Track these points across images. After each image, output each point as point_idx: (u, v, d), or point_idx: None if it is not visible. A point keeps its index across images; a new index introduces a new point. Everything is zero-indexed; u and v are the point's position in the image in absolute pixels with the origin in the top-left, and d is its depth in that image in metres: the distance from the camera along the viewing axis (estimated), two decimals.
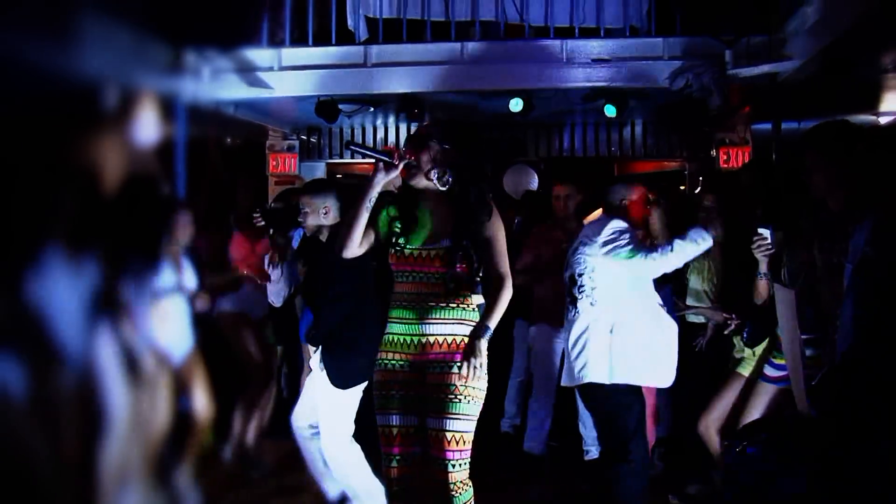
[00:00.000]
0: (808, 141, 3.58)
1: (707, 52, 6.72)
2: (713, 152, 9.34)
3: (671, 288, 5.40)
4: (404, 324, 3.61)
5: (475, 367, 3.36)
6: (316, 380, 4.60)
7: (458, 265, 3.57)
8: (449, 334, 3.59)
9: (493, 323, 3.48)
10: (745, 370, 4.78)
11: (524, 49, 7.41)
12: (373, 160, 3.60)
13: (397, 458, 3.62)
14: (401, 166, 3.53)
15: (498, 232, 3.64)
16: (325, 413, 4.54)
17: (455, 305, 3.61)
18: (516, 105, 7.56)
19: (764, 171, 5.14)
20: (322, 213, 4.78)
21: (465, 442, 3.54)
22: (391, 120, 9.70)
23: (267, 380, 6.19)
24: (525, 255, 6.21)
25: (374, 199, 3.54)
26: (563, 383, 4.70)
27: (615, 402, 4.34)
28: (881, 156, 3.14)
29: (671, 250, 4.31)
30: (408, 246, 3.59)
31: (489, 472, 6.07)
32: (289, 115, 9.26)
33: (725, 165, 9.14)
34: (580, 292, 4.40)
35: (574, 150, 9.84)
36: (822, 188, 3.50)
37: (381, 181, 3.53)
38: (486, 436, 6.49)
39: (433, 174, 3.57)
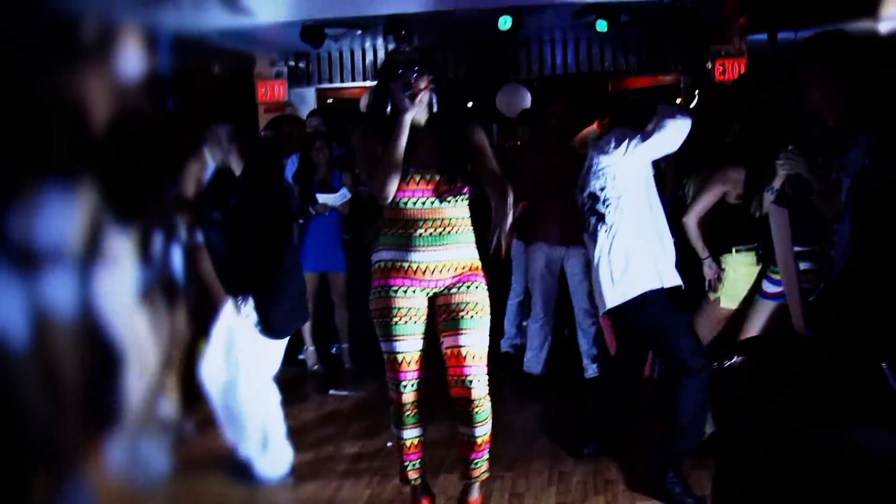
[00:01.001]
0: (803, 53, 3.48)
1: None
2: (709, 65, 9.22)
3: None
4: (412, 250, 3.62)
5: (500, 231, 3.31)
6: (233, 328, 4.22)
7: (456, 182, 3.59)
8: (455, 258, 3.64)
9: (511, 199, 3.37)
10: (725, 302, 4.78)
11: None
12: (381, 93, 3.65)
13: (403, 384, 3.69)
14: (416, 101, 3.52)
15: (484, 141, 3.68)
16: (250, 361, 4.26)
17: (461, 231, 3.65)
18: (505, 23, 7.41)
19: (758, 83, 5.04)
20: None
21: (481, 357, 3.62)
22: (379, 42, 9.53)
23: None
24: (520, 175, 6.14)
25: (405, 136, 3.53)
26: (609, 305, 4.33)
27: (663, 307, 4.26)
28: (879, 68, 3.05)
29: (667, 123, 4.21)
30: (410, 171, 3.58)
31: (491, 389, 6.14)
32: (275, 42, 9.10)
33: (721, 78, 9.04)
34: (606, 205, 4.28)
35: (567, 67, 9.71)
36: (819, 102, 3.42)
37: (409, 120, 3.52)
38: (489, 356, 6.61)
39: (432, 100, 3.62)
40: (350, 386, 6.29)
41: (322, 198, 6.53)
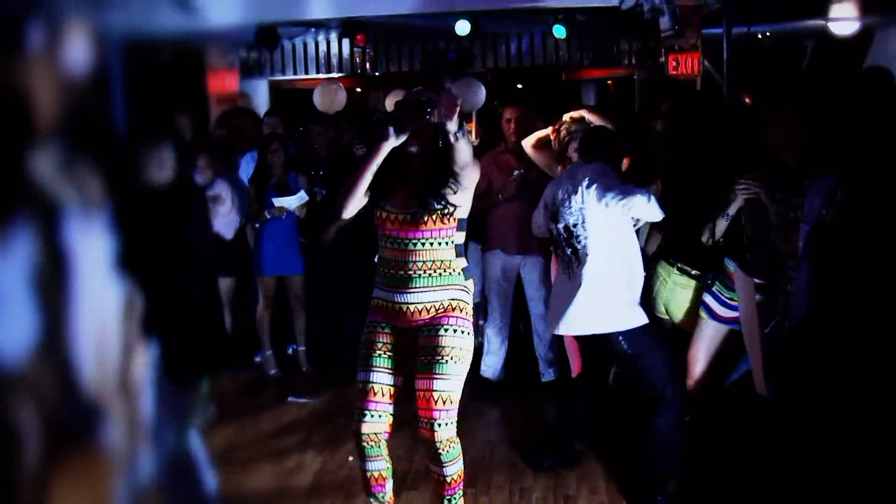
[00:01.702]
0: (765, 93, 3.55)
1: None
2: (662, 59, 9.27)
3: None
4: (391, 291, 3.73)
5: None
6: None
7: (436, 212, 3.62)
8: (436, 301, 3.70)
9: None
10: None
11: None
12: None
13: (369, 412, 3.73)
14: (401, 136, 3.53)
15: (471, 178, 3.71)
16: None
17: (441, 272, 3.69)
18: (463, 28, 7.38)
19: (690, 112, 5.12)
20: None
21: (451, 401, 3.66)
22: (333, 36, 9.46)
23: None
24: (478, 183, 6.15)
25: (378, 163, 3.58)
26: (578, 332, 4.58)
27: (641, 346, 4.33)
28: (839, 114, 3.11)
29: (649, 197, 4.32)
30: (393, 209, 3.66)
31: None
32: (227, 35, 8.98)
33: (675, 73, 9.07)
34: (580, 243, 4.36)
35: (522, 59, 9.71)
36: (778, 141, 3.50)
37: (388, 148, 3.56)
38: None
39: (455, 132, 3.47)
40: (309, 393, 6.29)
41: (279, 201, 6.49)
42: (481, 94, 9.39)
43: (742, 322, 3.35)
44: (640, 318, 4.35)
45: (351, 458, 5.05)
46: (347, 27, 7.57)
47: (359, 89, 11.50)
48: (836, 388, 2.51)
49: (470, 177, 3.67)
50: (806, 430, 2.31)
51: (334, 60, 9.79)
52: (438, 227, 3.65)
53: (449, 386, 3.65)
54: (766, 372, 2.65)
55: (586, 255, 4.34)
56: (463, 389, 5.68)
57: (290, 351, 7.18)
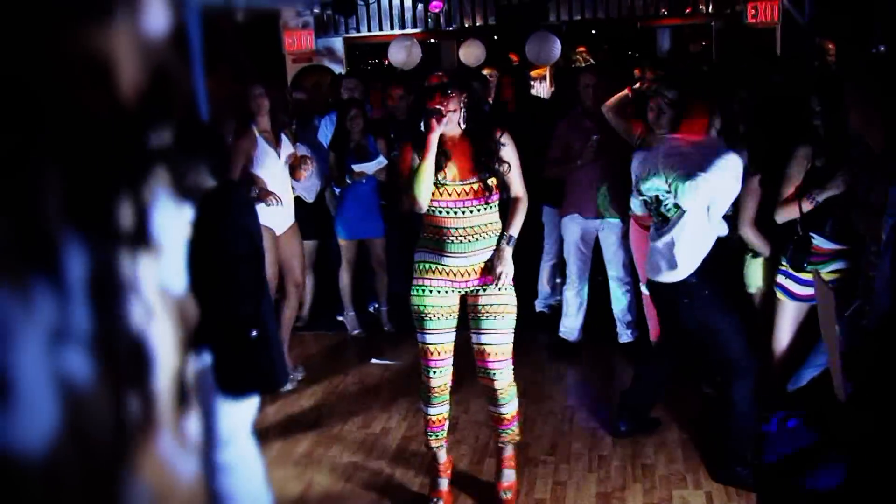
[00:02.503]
0: (848, 74, 3.50)
1: None
2: (740, 7, 9.10)
3: None
4: (446, 255, 4.06)
5: (503, 273, 4.00)
6: None
7: (490, 188, 4.00)
8: (484, 261, 4.08)
9: (515, 231, 4.08)
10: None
11: None
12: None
13: (433, 370, 4.18)
14: (442, 121, 3.89)
15: (512, 156, 4.07)
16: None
17: (491, 234, 4.06)
18: None
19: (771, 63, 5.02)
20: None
21: (505, 353, 4.17)
22: None
23: (294, 295, 6.17)
24: (554, 147, 6.18)
25: (434, 154, 3.91)
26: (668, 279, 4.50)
27: (709, 311, 4.38)
28: None
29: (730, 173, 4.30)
30: (444, 182, 3.99)
31: (528, 351, 6.33)
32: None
33: (753, 21, 8.93)
34: (668, 211, 4.38)
35: (597, 10, 9.60)
36: (860, 126, 3.46)
37: (435, 140, 3.91)
38: (522, 316, 6.77)
39: (461, 118, 4.00)
40: (391, 354, 6.47)
41: (358, 167, 6.59)
42: (556, 47, 9.35)
43: (822, 329, 3.37)
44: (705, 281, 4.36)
45: None
46: None
47: (433, 40, 11.51)
48: None
49: (509, 156, 4.04)
50: (885, 437, 2.35)
51: (408, 15, 9.82)
52: (485, 195, 4.00)
53: (500, 339, 4.13)
54: (844, 373, 2.69)
55: (672, 219, 4.36)
56: (541, 350, 5.88)
57: (371, 308, 7.37)
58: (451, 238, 4.02)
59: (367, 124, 6.76)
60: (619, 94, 5.69)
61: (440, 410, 4.28)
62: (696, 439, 4.86)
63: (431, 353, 4.17)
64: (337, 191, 6.91)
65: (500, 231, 4.10)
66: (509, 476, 4.41)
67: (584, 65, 9.76)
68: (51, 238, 0.93)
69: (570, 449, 4.87)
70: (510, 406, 4.26)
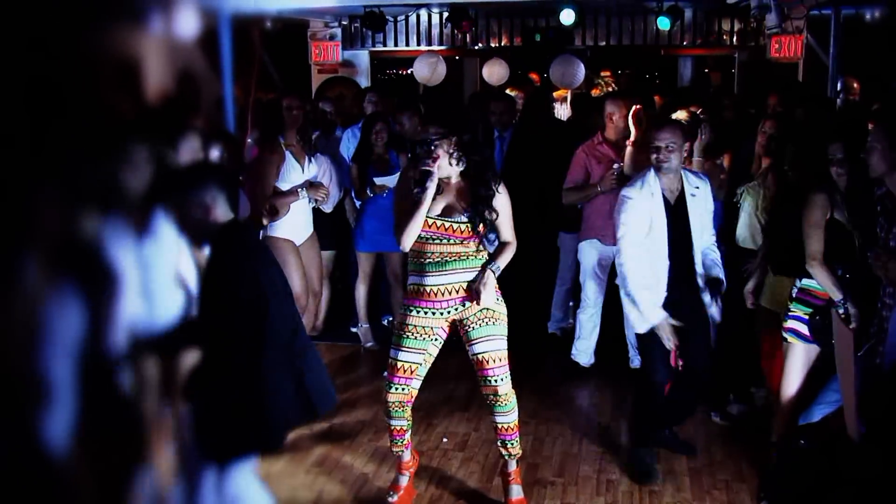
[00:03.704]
0: (874, 116, 3.55)
1: None
2: (764, 41, 9.16)
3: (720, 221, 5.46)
4: (426, 275, 4.29)
5: (481, 291, 4.22)
6: None
7: (478, 229, 4.27)
8: (463, 281, 4.30)
9: (502, 263, 4.33)
10: (765, 302, 5.02)
11: None
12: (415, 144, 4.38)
13: (394, 386, 4.39)
14: (436, 173, 4.17)
15: (504, 204, 4.31)
16: None
17: (469, 258, 4.31)
18: (568, 17, 7.42)
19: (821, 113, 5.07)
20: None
21: (503, 359, 4.36)
22: (434, 8, 9.57)
23: (310, 305, 6.23)
24: (573, 173, 6.24)
25: (429, 203, 4.19)
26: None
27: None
28: None
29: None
30: (437, 217, 4.25)
31: (540, 372, 6.39)
32: (332, 11, 9.17)
33: (776, 55, 8.98)
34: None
35: (622, 38, 9.68)
36: (883, 169, 3.51)
37: (433, 189, 4.17)
38: (535, 339, 6.85)
39: (453, 164, 4.24)
40: None
41: (380, 180, 6.66)
42: (580, 71, 9.44)
43: (838, 368, 3.42)
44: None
45: (445, 439, 5.31)
46: (453, 14, 7.65)
47: (457, 57, 11.61)
48: None
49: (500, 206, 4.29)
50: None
51: (434, 32, 9.91)
52: (469, 235, 4.26)
53: (494, 346, 4.33)
54: (858, 412, 2.74)
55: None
56: (553, 372, 5.93)
57: (385, 323, 7.43)
58: (428, 259, 4.28)
59: (390, 138, 6.82)
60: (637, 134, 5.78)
61: (399, 423, 4.50)
62: (705, 468, 4.90)
63: (397, 370, 4.38)
64: (357, 203, 6.98)
65: (480, 258, 4.34)
66: (517, 492, 4.49)
67: (607, 90, 9.84)
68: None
69: (578, 471, 4.92)
70: (513, 415, 4.42)
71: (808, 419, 4.23)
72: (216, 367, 2.92)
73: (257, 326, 3.26)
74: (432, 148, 4.17)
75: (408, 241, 4.24)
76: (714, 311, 4.74)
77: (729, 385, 5.69)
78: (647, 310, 4.60)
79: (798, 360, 4.43)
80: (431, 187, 4.16)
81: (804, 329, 4.42)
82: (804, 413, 4.30)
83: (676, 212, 4.67)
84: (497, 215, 4.27)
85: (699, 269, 4.74)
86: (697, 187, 4.72)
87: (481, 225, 4.24)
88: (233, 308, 3.18)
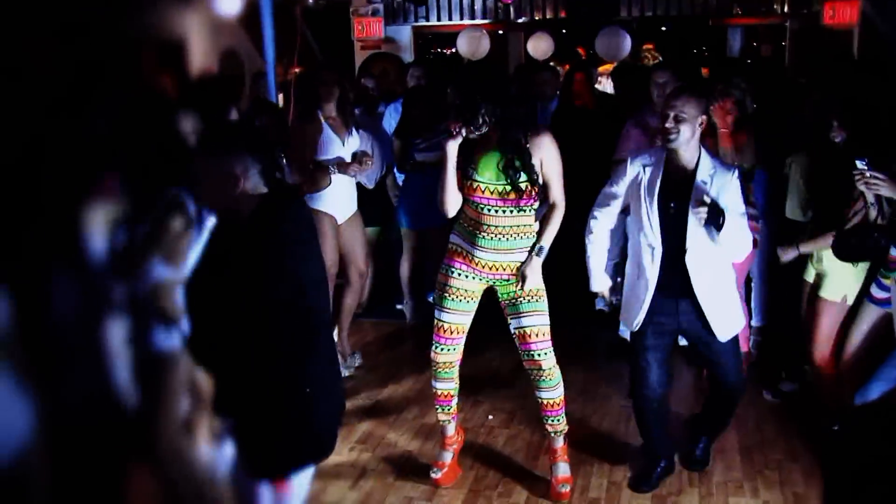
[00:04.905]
0: None
1: None
2: (817, 7, 8.91)
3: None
4: (476, 248, 4.24)
5: (528, 275, 4.19)
6: None
7: (523, 192, 4.13)
8: (513, 261, 4.27)
9: (547, 243, 4.25)
10: (807, 275, 4.88)
11: None
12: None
13: (441, 346, 4.42)
14: (459, 134, 4.04)
15: (550, 155, 4.17)
16: None
17: (523, 237, 4.24)
18: None
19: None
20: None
21: (546, 333, 4.31)
22: None
23: (356, 284, 6.17)
24: (622, 146, 6.11)
25: (454, 164, 4.12)
26: None
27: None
28: None
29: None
30: (476, 179, 4.17)
31: (587, 349, 6.31)
32: None
33: (830, 21, 8.72)
34: None
35: (669, 7, 9.47)
36: None
37: (454, 150, 4.08)
38: (582, 315, 6.75)
39: (472, 131, 4.06)
40: None
41: (421, 156, 6.59)
42: (626, 43, 9.26)
43: None
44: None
45: (490, 417, 5.25)
46: None
47: (501, 32, 11.47)
48: None
49: (546, 160, 4.16)
50: None
51: (478, 6, 9.80)
52: (517, 199, 4.14)
53: (538, 321, 4.28)
54: None
55: None
56: (600, 348, 5.87)
57: (430, 299, 7.37)
58: (482, 233, 4.22)
59: (433, 114, 6.73)
60: None
61: (446, 386, 4.50)
62: (756, 447, 4.79)
63: (444, 331, 4.39)
64: (399, 179, 6.91)
65: (534, 235, 4.26)
66: (564, 469, 4.44)
67: (652, 63, 9.65)
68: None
69: (625, 450, 4.83)
70: (557, 390, 4.38)
71: (866, 398, 4.11)
72: (256, 372, 2.75)
73: (296, 322, 2.87)
74: (457, 118, 4.07)
75: (448, 204, 4.21)
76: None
77: (781, 362, 5.58)
78: (593, 275, 4.47)
79: (864, 320, 4.35)
80: (450, 145, 4.06)
81: (873, 289, 4.34)
82: (860, 391, 4.18)
83: (678, 195, 4.06)
84: (537, 176, 4.13)
85: (692, 266, 4.07)
86: (713, 174, 4.04)
87: (525, 183, 4.10)
88: (268, 300, 2.79)
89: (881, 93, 4.96)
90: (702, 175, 4.05)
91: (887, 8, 8.10)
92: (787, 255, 4.86)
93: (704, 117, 4.08)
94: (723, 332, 4.18)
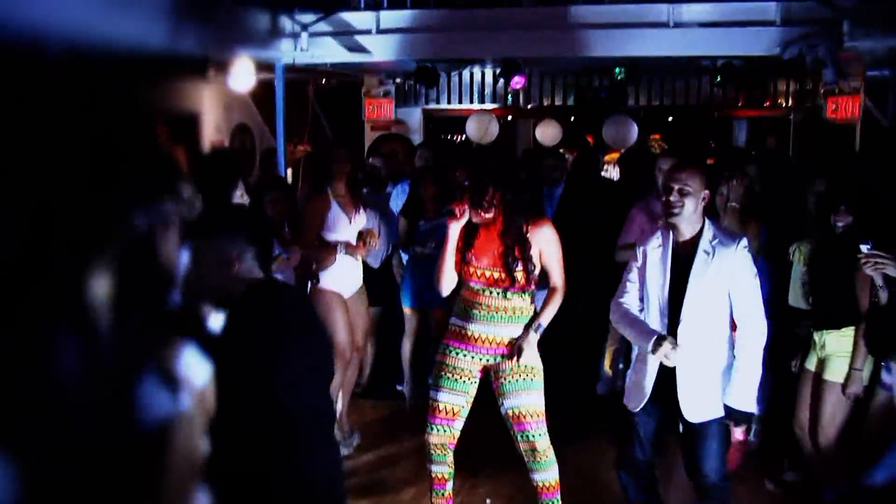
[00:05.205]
0: None
1: (823, 19, 6.40)
2: (820, 101, 9.04)
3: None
4: (472, 322, 4.32)
5: (524, 349, 4.21)
6: None
7: (517, 277, 4.23)
8: (508, 336, 4.33)
9: (544, 321, 4.31)
10: (808, 363, 4.88)
11: (628, 13, 7.18)
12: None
13: (435, 427, 4.42)
14: (461, 216, 4.19)
15: (549, 242, 4.29)
16: None
17: (517, 315, 4.32)
18: (620, 73, 7.41)
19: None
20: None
21: (540, 414, 4.30)
22: (488, 68, 9.64)
23: (354, 359, 6.14)
24: (628, 231, 6.14)
25: (454, 244, 4.25)
26: None
27: None
28: None
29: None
30: (474, 264, 4.29)
31: (589, 435, 6.22)
32: (385, 68, 9.26)
33: (833, 115, 8.85)
34: None
35: (675, 98, 9.63)
36: None
37: (456, 230, 4.23)
38: (583, 400, 6.69)
39: (478, 214, 4.22)
40: None
41: (419, 249, 6.58)
42: (633, 131, 9.39)
43: None
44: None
45: (488, 501, 5.18)
46: (505, 68, 7.70)
47: (510, 117, 11.64)
48: None
49: (545, 249, 4.29)
50: None
51: (487, 91, 9.97)
52: (512, 284, 4.23)
53: (530, 400, 4.28)
54: None
55: None
56: (601, 434, 5.80)
57: (430, 381, 7.31)
58: (477, 309, 4.30)
59: (440, 193, 6.78)
60: None
61: (440, 469, 4.48)
62: None
63: (437, 411, 4.39)
64: (405, 259, 6.94)
65: (528, 314, 4.34)
66: None
67: (658, 151, 9.77)
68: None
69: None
70: (552, 472, 4.35)
71: (872, 481, 4.06)
72: (251, 463, 2.57)
73: (287, 413, 2.68)
74: (461, 199, 4.22)
75: (444, 283, 4.32)
76: (737, 432, 4.11)
77: (783, 451, 5.52)
78: (642, 335, 4.00)
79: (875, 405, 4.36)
80: (453, 226, 4.19)
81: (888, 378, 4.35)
82: (868, 475, 4.13)
83: (678, 269, 3.96)
84: (533, 266, 4.24)
85: (682, 340, 3.88)
86: (716, 245, 3.92)
87: (520, 273, 4.20)
88: (260, 389, 2.60)
89: (885, 180, 5.02)
90: (704, 245, 3.92)
91: (888, 104, 8.23)
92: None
93: (707, 192, 3.98)
94: (692, 412, 3.95)
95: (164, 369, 1.52)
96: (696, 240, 3.96)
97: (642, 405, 4.12)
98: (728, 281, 3.89)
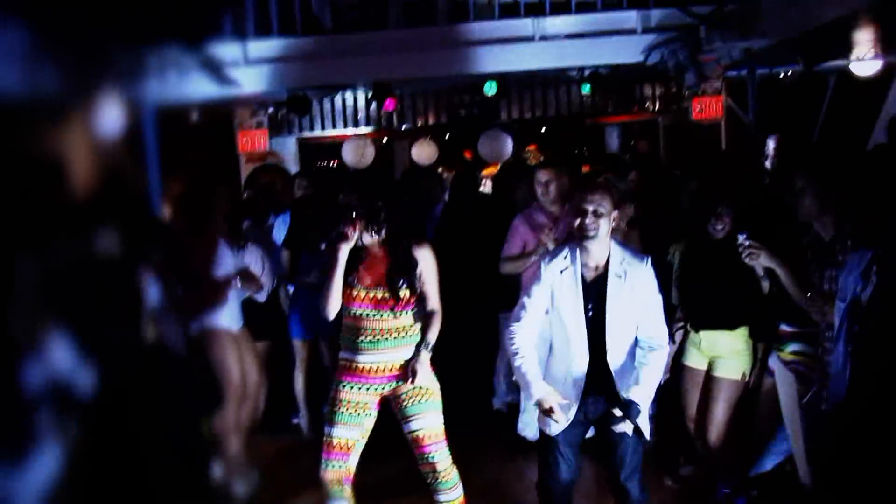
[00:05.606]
0: (800, 162, 3.59)
1: (682, 25, 6.61)
2: (685, 103, 9.34)
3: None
4: (359, 353, 4.29)
5: (417, 370, 4.22)
6: None
7: (401, 300, 4.26)
8: (396, 360, 4.32)
9: (431, 338, 4.31)
10: (693, 362, 4.96)
11: (494, 30, 7.28)
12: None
13: (330, 463, 4.36)
14: (352, 237, 4.19)
15: (428, 265, 4.32)
16: None
17: (403, 336, 4.31)
18: (490, 88, 7.50)
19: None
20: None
21: (439, 435, 4.33)
22: (359, 92, 9.61)
23: (248, 397, 6.00)
24: (511, 243, 6.16)
25: (342, 266, 4.22)
26: None
27: None
28: (875, 188, 3.13)
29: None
30: (356, 286, 4.28)
31: (487, 450, 6.22)
32: (256, 99, 9.15)
33: (699, 117, 9.15)
34: None
35: (546, 109, 9.79)
36: (812, 213, 3.51)
37: (345, 252, 4.21)
38: (479, 415, 6.69)
39: (371, 234, 4.25)
40: None
41: (307, 278, 6.50)
42: (508, 145, 9.49)
43: (784, 415, 3.36)
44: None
45: None
46: (377, 91, 7.69)
47: (385, 139, 11.64)
48: (880, 475, 2.51)
49: (425, 271, 4.30)
50: None
51: (361, 115, 9.94)
52: (397, 304, 4.25)
53: (429, 422, 4.29)
54: (808, 459, 2.67)
55: None
56: (500, 448, 5.78)
57: (324, 411, 7.20)
58: (362, 336, 4.27)
59: (321, 223, 6.70)
60: None
61: None
62: None
63: (331, 446, 4.34)
64: (290, 289, 6.83)
65: (414, 334, 4.33)
66: None
67: (534, 162, 9.91)
68: None
69: None
70: (456, 491, 4.39)
71: (760, 469, 4.16)
72: None
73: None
74: (352, 219, 4.19)
75: (330, 307, 4.25)
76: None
77: (678, 447, 5.61)
78: (533, 386, 4.07)
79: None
80: (343, 248, 4.16)
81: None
82: (756, 464, 4.24)
83: (593, 294, 4.01)
84: (420, 284, 4.26)
85: (614, 365, 4.01)
86: (626, 266, 4.01)
87: (406, 291, 4.21)
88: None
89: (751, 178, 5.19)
90: (614, 268, 3.98)
91: (748, 102, 8.54)
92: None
93: (617, 213, 4.04)
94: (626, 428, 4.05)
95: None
96: (605, 262, 4.02)
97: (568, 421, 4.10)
98: (639, 298, 4.00)
